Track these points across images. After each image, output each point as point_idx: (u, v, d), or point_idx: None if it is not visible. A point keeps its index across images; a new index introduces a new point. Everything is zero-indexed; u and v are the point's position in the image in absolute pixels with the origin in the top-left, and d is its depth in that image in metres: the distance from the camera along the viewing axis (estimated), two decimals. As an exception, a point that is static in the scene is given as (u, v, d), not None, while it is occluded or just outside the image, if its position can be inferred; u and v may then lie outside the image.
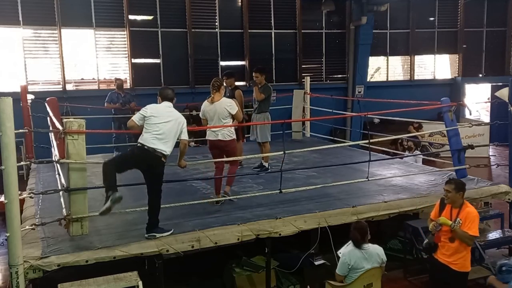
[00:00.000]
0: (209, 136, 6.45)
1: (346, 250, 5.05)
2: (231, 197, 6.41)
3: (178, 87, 13.80)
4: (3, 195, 4.59)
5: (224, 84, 7.06)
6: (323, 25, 15.62)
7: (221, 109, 6.34)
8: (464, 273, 5.02)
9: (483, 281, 6.09)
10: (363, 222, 5.33)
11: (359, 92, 15.58)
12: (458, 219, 4.91)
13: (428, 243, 5.18)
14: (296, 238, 5.79)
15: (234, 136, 6.50)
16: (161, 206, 5.70)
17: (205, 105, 6.51)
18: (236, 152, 6.72)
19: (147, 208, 5.64)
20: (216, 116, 6.36)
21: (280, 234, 5.58)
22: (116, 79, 10.85)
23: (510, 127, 7.15)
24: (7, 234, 4.44)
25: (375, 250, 5.07)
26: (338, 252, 5.23)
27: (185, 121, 5.40)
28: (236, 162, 6.78)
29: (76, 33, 12.97)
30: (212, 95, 6.43)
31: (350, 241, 5.09)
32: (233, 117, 6.45)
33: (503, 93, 7.14)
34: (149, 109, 5.29)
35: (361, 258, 4.95)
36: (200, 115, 6.67)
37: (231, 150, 6.45)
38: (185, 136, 5.36)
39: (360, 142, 8.45)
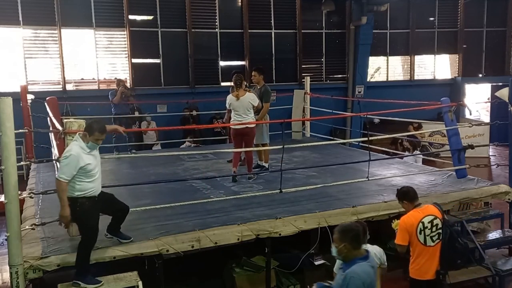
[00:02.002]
0: (236, 125, 7.42)
1: None
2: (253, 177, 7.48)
3: (178, 87, 13.85)
4: (3, 195, 4.59)
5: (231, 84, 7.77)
6: (323, 25, 15.62)
7: (246, 103, 7.37)
8: (410, 278, 4.77)
9: (483, 281, 6.10)
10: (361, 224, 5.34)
11: (359, 92, 15.58)
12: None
13: None
14: (296, 238, 5.79)
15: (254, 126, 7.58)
16: (161, 206, 5.72)
17: (231, 99, 7.48)
18: (253, 140, 7.67)
19: (146, 208, 5.66)
20: (242, 108, 7.37)
21: (280, 234, 5.57)
22: (117, 80, 10.86)
23: (510, 127, 7.15)
24: (7, 234, 4.44)
25: (373, 250, 5.07)
26: None
27: (64, 156, 4.39)
28: (251, 150, 7.59)
29: (76, 33, 12.98)
30: (237, 91, 7.40)
31: None
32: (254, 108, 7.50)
33: (503, 93, 7.13)
34: None
35: None
36: (226, 105, 7.62)
37: (252, 137, 7.56)
38: (57, 175, 4.37)
39: (359, 140, 8.43)
